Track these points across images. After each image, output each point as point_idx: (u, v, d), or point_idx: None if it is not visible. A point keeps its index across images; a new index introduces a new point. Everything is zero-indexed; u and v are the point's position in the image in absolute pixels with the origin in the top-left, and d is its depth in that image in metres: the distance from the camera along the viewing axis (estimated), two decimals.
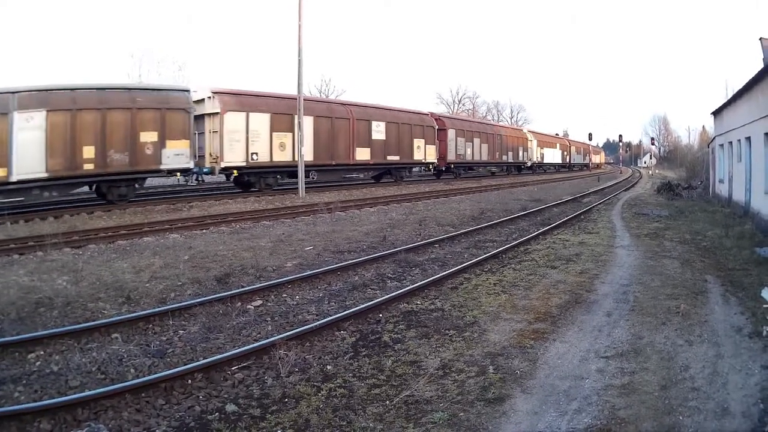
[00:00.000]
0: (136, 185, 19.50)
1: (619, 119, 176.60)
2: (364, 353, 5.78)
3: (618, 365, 5.32)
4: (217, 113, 20.99)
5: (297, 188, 22.56)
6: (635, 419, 4.26)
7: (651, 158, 77.30)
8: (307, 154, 23.64)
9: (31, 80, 39.71)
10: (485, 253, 10.67)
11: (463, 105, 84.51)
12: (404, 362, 5.48)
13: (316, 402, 4.66)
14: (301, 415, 4.44)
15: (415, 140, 31.46)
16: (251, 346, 5.77)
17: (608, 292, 7.95)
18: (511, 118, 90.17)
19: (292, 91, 24.24)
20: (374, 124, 28.28)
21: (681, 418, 4.29)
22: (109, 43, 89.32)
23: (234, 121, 21.39)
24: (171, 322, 6.64)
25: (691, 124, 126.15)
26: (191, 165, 20.14)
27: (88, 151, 17.29)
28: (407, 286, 8.26)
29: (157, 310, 6.96)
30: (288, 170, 23.95)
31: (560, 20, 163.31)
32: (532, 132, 54.76)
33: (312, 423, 4.32)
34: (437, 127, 33.93)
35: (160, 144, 18.96)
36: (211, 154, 21.30)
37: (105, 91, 18.11)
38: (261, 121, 22.35)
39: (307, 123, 23.72)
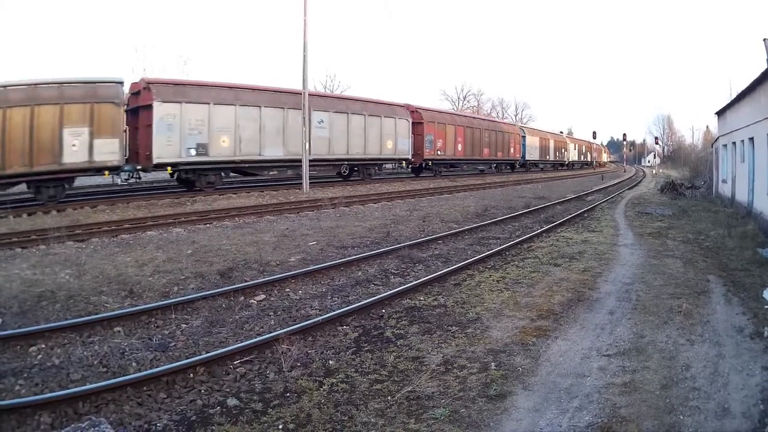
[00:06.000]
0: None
1: (623, 118, 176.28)
2: (366, 348, 5.78)
3: (620, 363, 5.32)
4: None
5: (301, 183, 22.57)
6: (636, 417, 4.26)
7: (655, 157, 77.26)
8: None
9: (37, 75, 39.72)
10: (488, 250, 10.66)
11: (468, 102, 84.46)
12: (406, 358, 5.48)
13: (317, 397, 4.67)
14: (303, 410, 4.44)
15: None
16: (254, 340, 5.78)
17: (611, 291, 7.94)
18: (516, 116, 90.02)
19: (297, 85, 23.96)
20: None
21: (682, 417, 4.29)
22: (114, 38, 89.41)
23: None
24: (173, 316, 6.67)
25: (694, 123, 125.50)
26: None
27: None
28: (410, 282, 8.27)
29: (159, 303, 6.98)
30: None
31: (565, 19, 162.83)
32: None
33: (313, 418, 4.32)
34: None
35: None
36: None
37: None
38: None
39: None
